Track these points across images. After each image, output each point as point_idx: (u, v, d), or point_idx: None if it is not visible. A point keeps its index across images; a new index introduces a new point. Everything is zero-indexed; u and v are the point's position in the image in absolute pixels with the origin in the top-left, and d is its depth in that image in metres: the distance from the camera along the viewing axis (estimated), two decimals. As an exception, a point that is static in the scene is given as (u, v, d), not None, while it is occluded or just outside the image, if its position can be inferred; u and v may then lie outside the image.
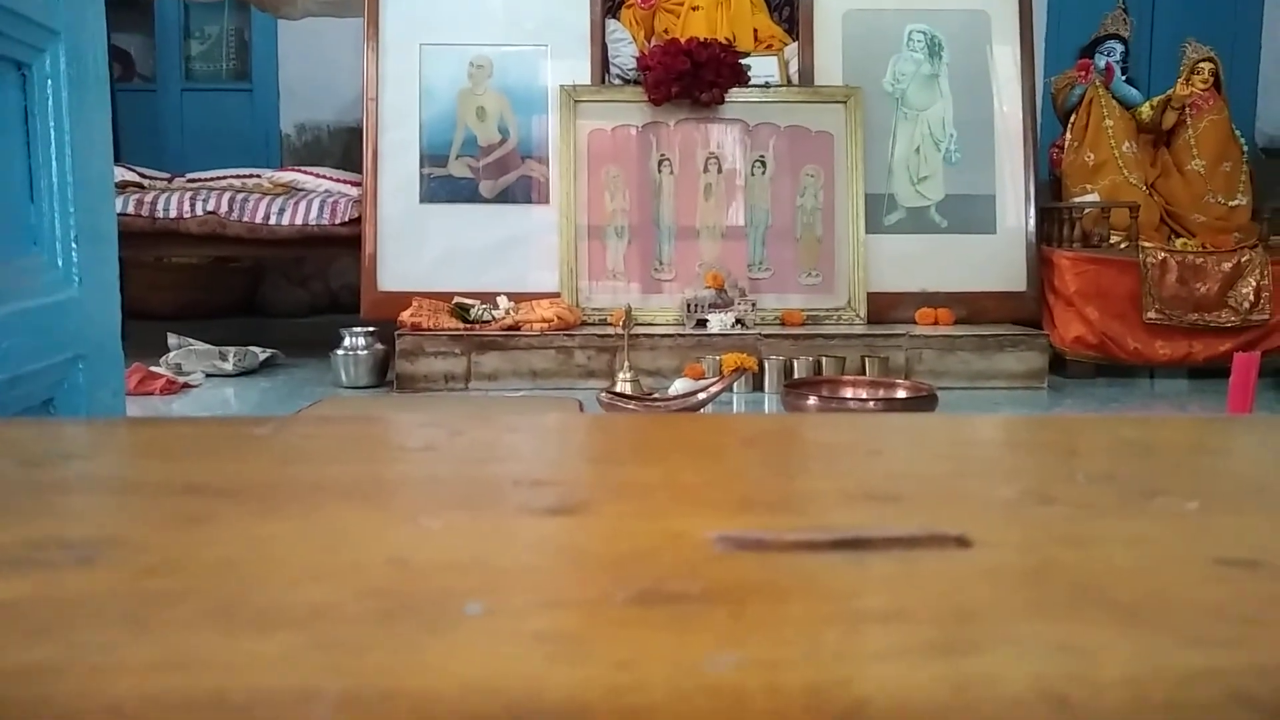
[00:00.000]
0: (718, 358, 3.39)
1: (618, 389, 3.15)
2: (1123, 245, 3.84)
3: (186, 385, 3.45)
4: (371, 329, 3.55)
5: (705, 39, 3.87)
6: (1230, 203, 4.08)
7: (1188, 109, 4.14)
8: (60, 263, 1.19)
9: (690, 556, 0.33)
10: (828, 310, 3.81)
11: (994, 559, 0.34)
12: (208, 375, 3.60)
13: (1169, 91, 4.17)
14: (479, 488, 0.41)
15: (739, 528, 0.36)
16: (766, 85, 3.96)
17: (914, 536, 0.36)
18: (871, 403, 2.95)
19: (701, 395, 3.00)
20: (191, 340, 3.75)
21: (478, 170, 3.83)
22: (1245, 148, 4.21)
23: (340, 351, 3.49)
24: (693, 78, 3.76)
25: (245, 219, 3.80)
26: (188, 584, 0.31)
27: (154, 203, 3.82)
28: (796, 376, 3.37)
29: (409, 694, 0.23)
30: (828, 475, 0.45)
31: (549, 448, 0.50)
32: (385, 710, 0.23)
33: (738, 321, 3.65)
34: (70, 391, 1.13)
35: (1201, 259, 3.74)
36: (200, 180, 4.10)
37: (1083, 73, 4.20)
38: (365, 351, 3.50)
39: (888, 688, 0.24)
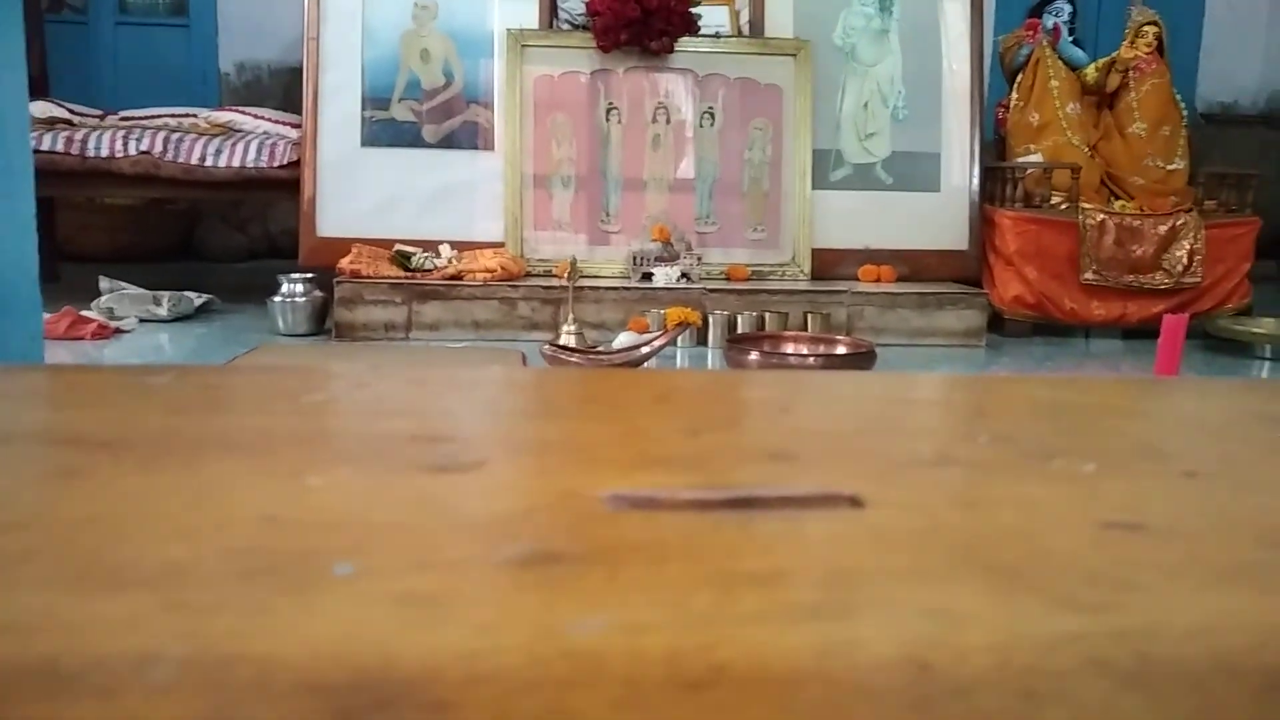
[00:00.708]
0: (662, 312, 3.39)
1: (561, 341, 3.13)
2: (1063, 206, 3.88)
3: (118, 330, 3.37)
4: (310, 275, 3.48)
5: (655, -14, 3.81)
6: (1168, 167, 4.14)
7: (1131, 72, 4.18)
8: (-31, 201, 1.15)
9: (577, 516, 0.33)
10: (773, 266, 3.81)
11: (882, 520, 0.33)
12: (141, 320, 3.51)
13: (1114, 54, 4.20)
14: (371, 443, 0.40)
15: (633, 486, 0.36)
16: (717, 35, 3.92)
17: (807, 496, 0.35)
18: (811, 358, 2.97)
19: (645, 349, 3.00)
20: (124, 284, 3.66)
21: (421, 114, 3.75)
22: (1185, 112, 4.27)
23: (277, 298, 3.43)
24: (642, 25, 3.71)
25: (180, 160, 3.69)
26: (43, 541, 0.29)
27: (84, 141, 3.69)
28: (740, 332, 3.38)
29: (253, 658, 0.22)
30: (733, 433, 0.45)
31: (453, 403, 0.49)
32: (226, 675, 0.22)
33: (683, 275, 3.64)
34: (-20, 336, 1.10)
35: (1138, 221, 3.80)
36: (134, 119, 3.96)
37: (1030, 32, 4.21)
38: (303, 299, 3.43)
39: (750, 652, 0.24)
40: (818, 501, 0.35)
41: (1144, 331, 3.67)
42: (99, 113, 4.09)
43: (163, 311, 3.55)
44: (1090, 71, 4.20)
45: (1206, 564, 0.30)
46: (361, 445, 0.40)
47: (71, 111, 3.98)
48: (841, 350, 3.00)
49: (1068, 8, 4.29)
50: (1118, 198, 4.09)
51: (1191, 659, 0.24)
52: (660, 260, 3.67)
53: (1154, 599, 0.27)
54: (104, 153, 3.69)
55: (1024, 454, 0.42)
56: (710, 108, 3.85)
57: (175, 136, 3.74)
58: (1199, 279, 3.80)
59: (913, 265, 3.84)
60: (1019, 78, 4.21)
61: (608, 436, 0.42)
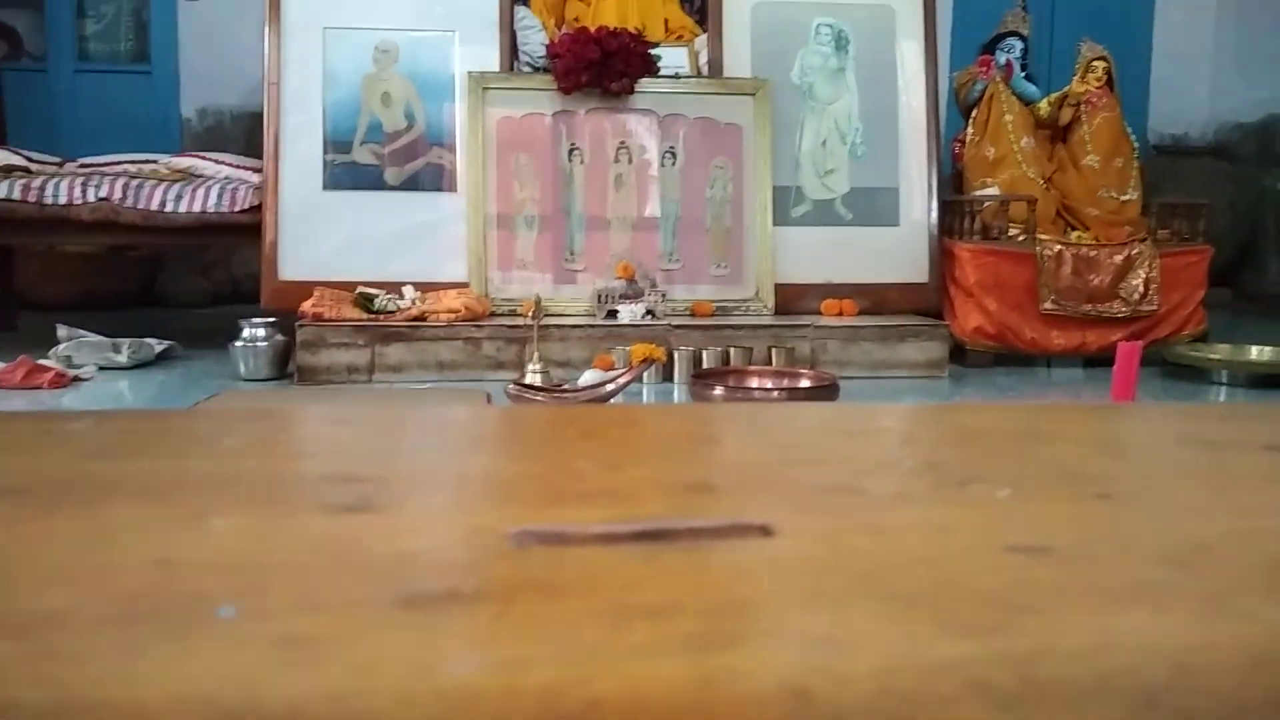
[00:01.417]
0: (628, 349, 3.39)
1: (526, 380, 3.12)
2: (1020, 238, 3.94)
3: (77, 379, 3.32)
4: (272, 319, 3.46)
5: (615, 28, 3.85)
6: (1122, 197, 4.22)
7: (1083, 106, 4.26)
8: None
9: (479, 553, 0.32)
10: (736, 301, 3.83)
11: (789, 549, 0.33)
12: (101, 368, 3.47)
13: (1066, 88, 4.28)
14: (281, 485, 0.40)
15: (544, 522, 0.35)
16: (677, 76, 3.96)
17: (717, 527, 0.35)
18: (776, 392, 2.98)
19: (610, 386, 3.00)
20: (82, 331, 3.62)
21: (383, 157, 3.75)
22: (1136, 144, 4.35)
23: (239, 343, 3.40)
24: (602, 67, 3.74)
25: (140, 206, 3.67)
26: (-80, 591, 0.28)
27: (42, 188, 3.66)
28: (705, 367, 3.39)
29: (117, 705, 0.22)
30: (654, 466, 0.45)
31: (374, 443, 0.49)
32: (83, 724, 0.21)
33: (648, 312, 3.65)
34: (-81, 385, 1.07)
35: (1095, 251, 3.86)
36: (93, 166, 3.94)
37: (984, 69, 4.29)
38: (265, 343, 3.41)
39: (630, 685, 0.23)
40: (727, 532, 0.35)
41: (1104, 359, 3.71)
42: (58, 160, 4.07)
43: (122, 359, 3.51)
44: (1043, 106, 4.28)
45: (1105, 585, 0.30)
46: (272, 487, 0.40)
47: (29, 159, 3.95)
48: (805, 384, 3.01)
49: (1019, 44, 4.38)
50: (1074, 229, 4.16)
51: (1074, 680, 0.24)
52: (625, 298, 3.68)
53: (1045, 621, 0.27)
54: (62, 200, 3.66)
55: (942, 481, 0.42)
56: (672, 147, 3.88)
57: (135, 183, 3.72)
58: (1155, 307, 3.86)
59: (874, 299, 3.87)
60: (974, 113, 4.28)
61: (527, 473, 0.42)
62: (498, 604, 0.28)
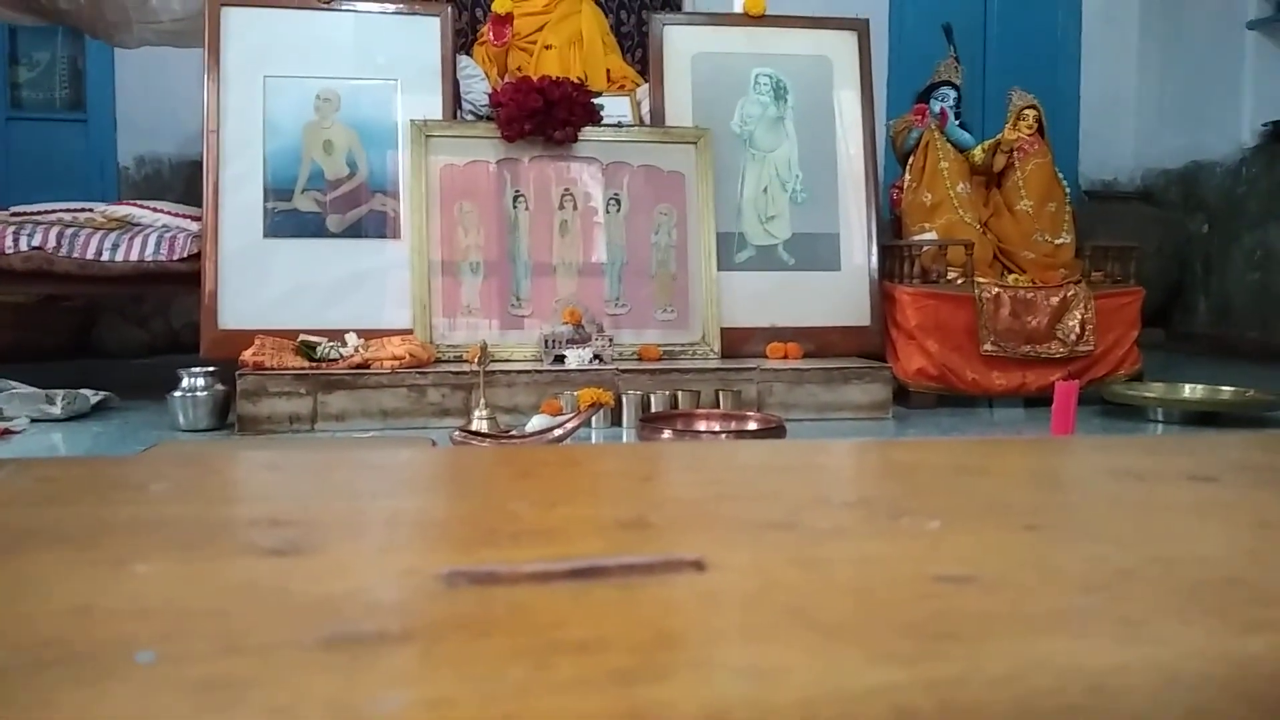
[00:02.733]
0: (575, 394, 3.38)
1: (473, 427, 3.10)
2: (959, 281, 4.01)
3: (8, 431, 3.23)
4: (212, 369, 3.40)
5: (558, 78, 3.89)
6: (1056, 241, 4.32)
7: (1015, 152, 4.38)
8: None
9: (408, 594, 0.32)
10: (683, 345, 3.85)
11: (720, 582, 0.33)
12: (34, 420, 3.38)
13: (998, 136, 4.40)
14: (208, 529, 0.39)
15: (477, 561, 0.35)
16: (619, 125, 4.00)
17: (650, 563, 0.35)
18: (724, 435, 2.99)
19: (557, 431, 2.98)
20: (13, 383, 3.52)
21: (325, 204, 3.73)
22: (1068, 190, 4.47)
23: (178, 393, 3.33)
24: (545, 116, 3.77)
25: (75, 255, 3.60)
26: None
27: (-28, 238, 3.58)
28: (653, 410, 3.39)
29: (23, 754, 0.21)
30: (589, 504, 0.44)
31: (302, 486, 0.48)
32: (-13, 774, 0.21)
33: (596, 357, 3.65)
34: None
35: (1031, 294, 3.95)
36: (25, 214, 3.87)
37: (919, 117, 4.39)
38: (205, 393, 3.34)
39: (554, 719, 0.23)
40: (660, 568, 0.35)
41: (1045, 399, 3.78)
42: (-11, 209, 3.98)
43: (56, 410, 3.42)
44: (977, 153, 4.40)
45: (1027, 612, 0.31)
46: (199, 531, 0.39)
47: (-40, 208, 3.86)
48: (752, 426, 3.02)
49: (953, 93, 4.50)
50: (1010, 271, 4.25)
51: (994, 704, 0.24)
52: (572, 343, 3.68)
53: (969, 648, 0.28)
54: (-7, 249, 3.58)
55: (873, 514, 0.42)
56: (616, 194, 3.91)
57: (70, 231, 3.65)
58: (1092, 347, 3.95)
59: (818, 341, 3.92)
60: (910, 160, 4.38)
61: (462, 513, 0.42)
62: (425, 643, 0.28)
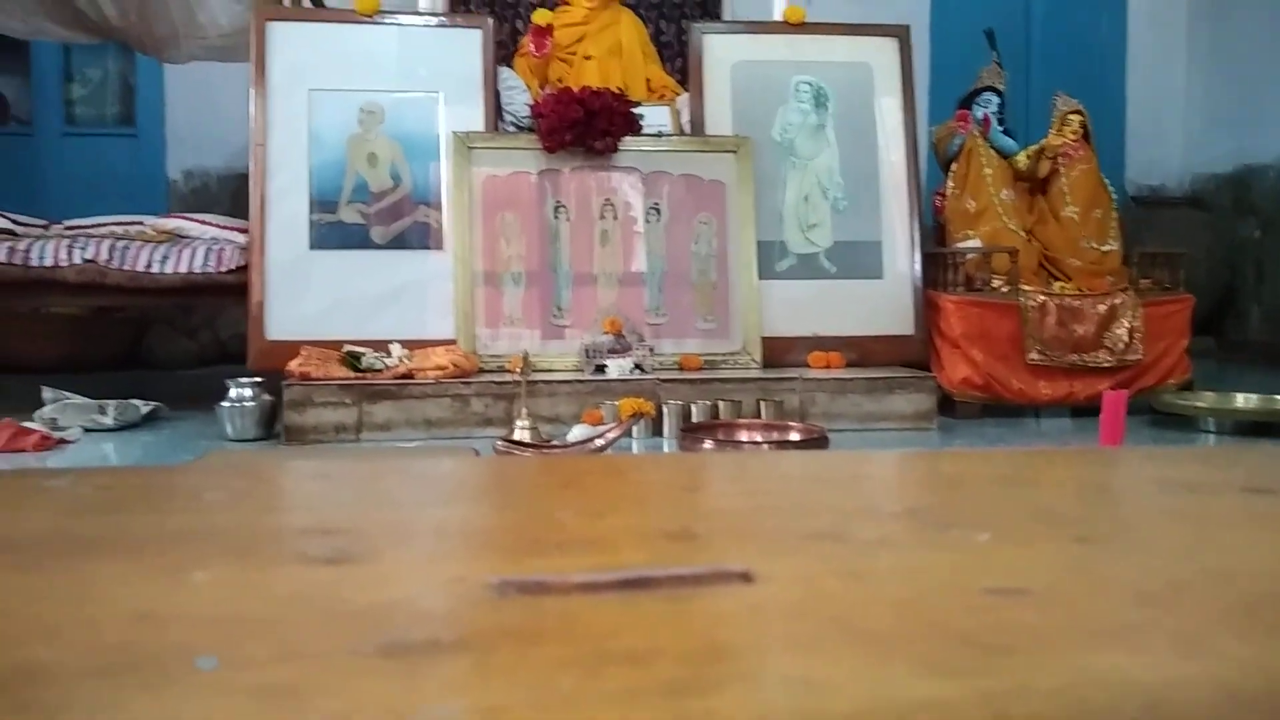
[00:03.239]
0: (616, 404, 3.39)
1: (515, 437, 3.12)
2: (1004, 289, 3.97)
3: (62, 441, 3.30)
4: (259, 380, 3.45)
5: (598, 88, 3.91)
6: (1103, 248, 4.27)
7: (1060, 158, 4.33)
8: (-106, 312, 1.13)
9: (459, 603, 0.32)
10: (724, 355, 3.84)
11: (770, 595, 0.33)
12: (86, 430, 3.45)
13: (1043, 141, 4.36)
14: (261, 538, 0.40)
15: (525, 571, 0.35)
16: (659, 134, 4.01)
17: (698, 574, 0.35)
18: (765, 446, 2.98)
19: (599, 441, 2.99)
20: (67, 394, 3.60)
21: (369, 216, 3.78)
22: (1115, 195, 4.42)
23: (226, 403, 3.38)
24: (586, 126, 3.79)
25: (126, 267, 3.67)
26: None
27: (28, 251, 3.67)
28: (694, 421, 3.39)
29: (92, 758, 0.22)
30: (635, 514, 0.45)
31: (351, 495, 0.49)
32: (58, 776, 0.21)
33: (636, 367, 3.66)
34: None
35: (1078, 301, 3.90)
36: (79, 227, 3.96)
37: (961, 123, 4.36)
38: (252, 403, 3.39)
39: (607, 730, 0.23)
40: (708, 579, 0.35)
41: (1092, 409, 3.72)
42: (43, 223, 4.08)
43: (108, 420, 3.49)
44: (1021, 159, 4.35)
45: (1081, 626, 0.30)
46: (252, 540, 0.40)
47: (15, 222, 3.96)
48: (795, 436, 3.01)
49: (996, 99, 4.46)
50: (1056, 279, 4.20)
51: (1050, 718, 0.24)
52: (613, 353, 3.69)
53: (1023, 662, 0.28)
54: (48, 262, 3.66)
55: (921, 525, 0.42)
56: (656, 203, 3.92)
57: (121, 244, 3.72)
58: (1140, 356, 3.89)
59: (860, 351, 3.89)
60: (953, 167, 4.34)
61: (509, 522, 0.42)
62: (477, 652, 0.28)
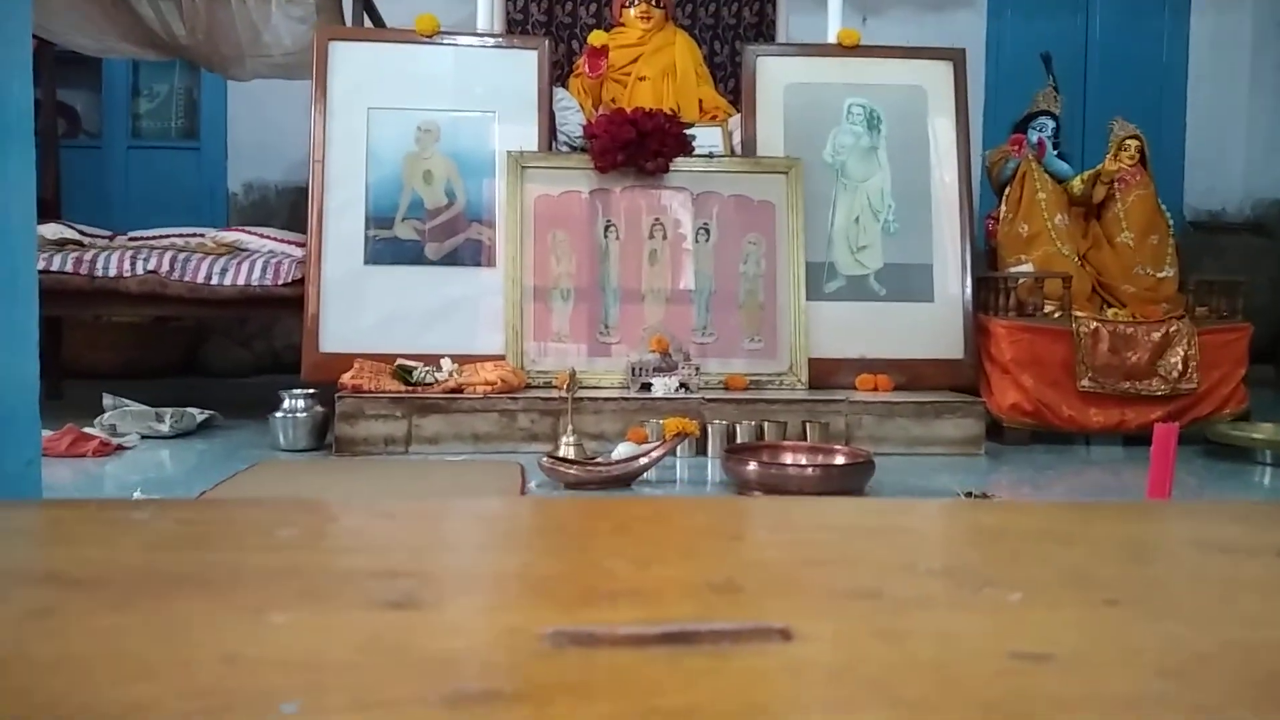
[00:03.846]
0: (661, 422, 3.41)
1: (560, 453, 3.15)
2: (1056, 314, 3.94)
3: (120, 447, 3.40)
4: (312, 390, 3.52)
5: (651, 109, 3.95)
6: (1158, 274, 4.21)
7: (1116, 183, 4.29)
8: (-24, 329, 1.18)
9: (518, 653, 0.35)
10: (770, 375, 3.85)
11: (807, 654, 0.35)
12: (143, 437, 3.55)
13: (1099, 166, 4.32)
14: (334, 580, 0.43)
15: (576, 622, 0.38)
16: (710, 155, 4.04)
17: (740, 630, 0.37)
18: (810, 469, 2.98)
19: (643, 460, 3.01)
20: (127, 401, 3.70)
21: (424, 233, 3.85)
22: (1171, 221, 4.36)
23: (279, 414, 3.46)
24: (638, 147, 3.83)
25: (186, 279, 3.78)
26: (12, 684, 0.31)
27: (93, 261, 3.79)
28: (738, 441, 3.40)
29: (195, 799, 0.24)
30: (682, 564, 0.47)
31: (416, 536, 0.51)
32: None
33: (682, 385, 3.68)
34: (-21, 461, 1.12)
35: (1132, 328, 3.85)
36: (142, 239, 4.08)
37: (1016, 147, 4.34)
38: (304, 414, 3.47)
39: (654, 789, 0.25)
40: (749, 635, 0.37)
41: (1144, 437, 3.66)
42: (108, 233, 4.21)
43: (165, 428, 3.58)
44: (1076, 184, 4.31)
45: (1102, 695, 0.32)
46: (325, 582, 0.43)
47: (81, 233, 4.09)
48: (840, 460, 3.01)
49: (1051, 123, 4.43)
50: (1110, 305, 4.15)
51: (1065, 791, 0.26)
52: (659, 371, 3.71)
53: (1044, 731, 0.29)
54: (112, 272, 3.77)
55: (957, 584, 0.44)
56: (705, 223, 3.94)
57: (182, 256, 3.83)
58: (1195, 385, 3.83)
59: (909, 374, 3.88)
60: (1007, 191, 4.32)
61: (561, 570, 0.45)
62: (534, 705, 0.31)
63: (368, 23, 4.16)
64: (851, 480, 2.88)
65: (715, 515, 0.57)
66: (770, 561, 0.47)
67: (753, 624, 0.38)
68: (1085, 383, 3.80)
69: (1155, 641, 0.37)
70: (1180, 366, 3.84)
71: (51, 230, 3.95)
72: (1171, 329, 3.86)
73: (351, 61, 3.90)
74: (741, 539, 0.51)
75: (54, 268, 3.72)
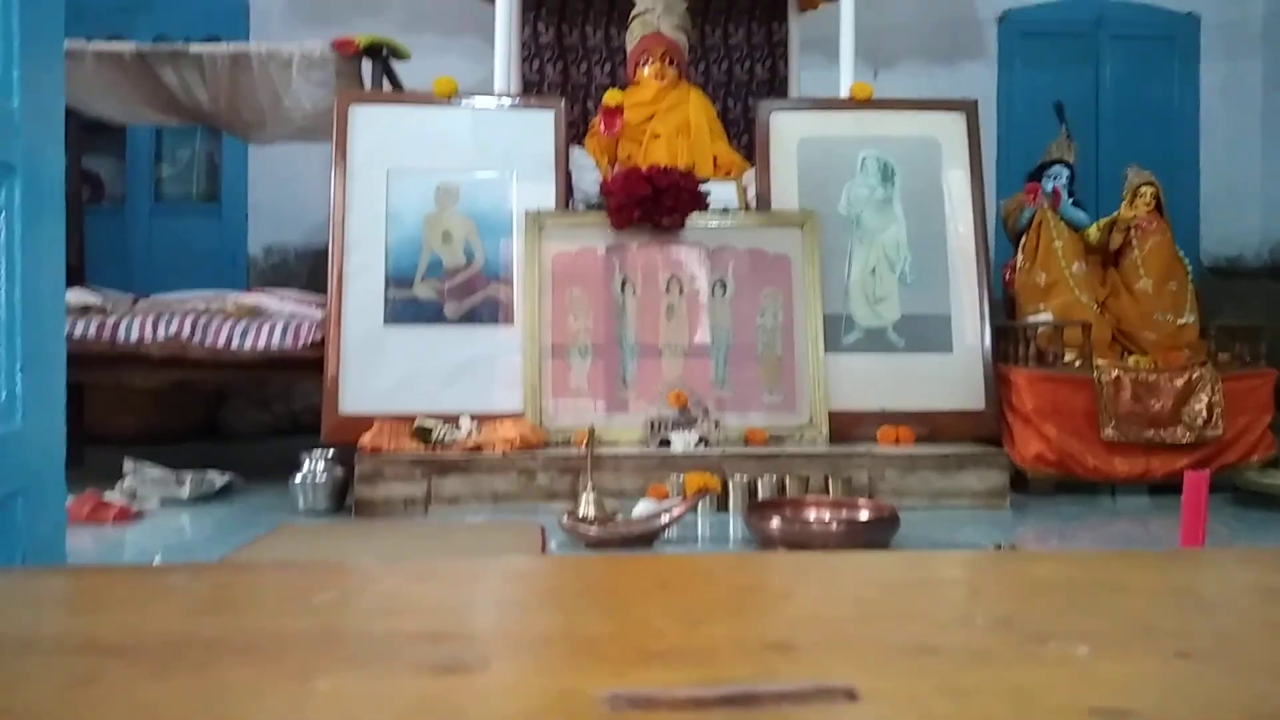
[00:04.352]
0: (681, 478, 3.38)
1: (580, 511, 3.12)
2: (1077, 363, 3.91)
3: (140, 513, 3.39)
4: (331, 452, 3.51)
5: (666, 166, 3.98)
6: (1179, 321, 4.19)
7: (1133, 230, 4.28)
8: (3, 395, 1.19)
9: (576, 718, 0.33)
10: (791, 429, 3.82)
11: (876, 715, 0.34)
12: (163, 501, 3.54)
13: (1114, 214, 4.32)
14: (378, 644, 0.41)
15: (632, 684, 0.36)
16: (725, 210, 4.06)
17: (802, 691, 0.36)
18: (834, 524, 2.94)
19: (665, 518, 2.98)
20: (148, 465, 3.70)
21: (443, 292, 3.87)
22: (1190, 267, 4.35)
23: (298, 476, 3.45)
24: (654, 203, 3.85)
25: (207, 342, 3.80)
26: (56, 756, 0.30)
27: (115, 326, 3.81)
28: (761, 497, 3.36)
29: None
30: (733, 622, 0.45)
31: (458, 597, 0.50)
32: None
33: (701, 440, 3.65)
34: (7, 528, 1.11)
35: (1154, 376, 3.82)
36: (164, 303, 4.10)
37: (1031, 196, 4.35)
38: (324, 476, 3.45)
39: None
40: (813, 696, 0.36)
41: (1171, 486, 3.62)
42: (131, 297, 4.24)
43: (184, 492, 3.57)
44: (1092, 232, 4.31)
45: (1193, 755, 0.30)
46: (368, 646, 0.41)
47: (104, 297, 4.12)
48: (864, 515, 2.97)
49: (1065, 172, 4.44)
50: (1130, 353, 4.12)
51: None
52: (678, 426, 3.70)
53: (1138, 795, 0.28)
54: (134, 337, 3.79)
55: (1020, 637, 0.42)
56: (721, 277, 3.95)
57: (203, 319, 3.85)
58: (1221, 432, 3.79)
59: (930, 425, 3.84)
60: (1023, 239, 4.32)
61: (608, 630, 0.43)
62: (597, 773, 0.29)
63: (387, 86, 4.22)
64: (877, 535, 2.84)
65: (759, 572, 0.55)
66: (823, 617, 0.46)
67: (815, 684, 0.37)
68: (1109, 432, 3.75)
69: (1241, 696, 0.36)
70: (1205, 413, 3.79)
71: (74, 295, 3.98)
72: (1194, 376, 3.82)
73: (371, 124, 3.96)
74: (791, 596, 0.50)
75: (77, 334, 3.75)
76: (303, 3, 5.85)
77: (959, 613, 0.49)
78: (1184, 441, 3.77)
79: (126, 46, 4.05)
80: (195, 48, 4.08)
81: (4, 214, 1.24)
